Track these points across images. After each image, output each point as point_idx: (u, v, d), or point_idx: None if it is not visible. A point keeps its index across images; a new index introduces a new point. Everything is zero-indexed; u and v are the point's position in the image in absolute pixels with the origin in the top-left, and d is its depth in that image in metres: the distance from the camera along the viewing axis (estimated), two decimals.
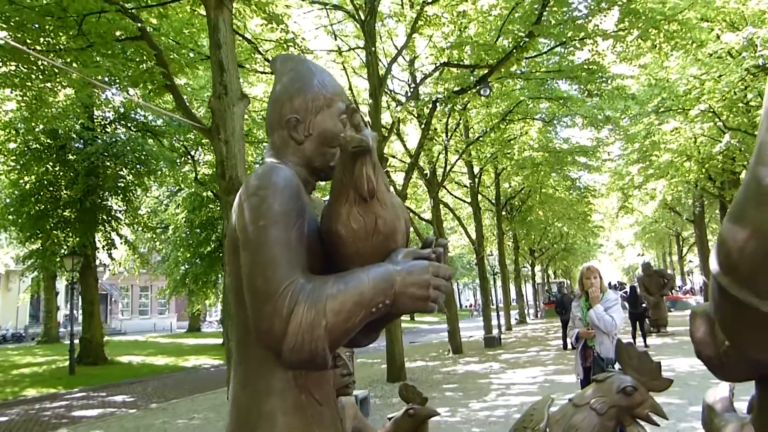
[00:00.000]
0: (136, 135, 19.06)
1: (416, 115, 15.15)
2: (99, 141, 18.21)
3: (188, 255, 24.18)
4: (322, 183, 1.63)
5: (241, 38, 11.68)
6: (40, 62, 9.18)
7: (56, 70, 9.32)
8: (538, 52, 13.65)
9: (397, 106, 15.27)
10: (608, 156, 24.70)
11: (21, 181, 18.15)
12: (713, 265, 1.00)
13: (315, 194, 1.71)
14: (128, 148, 18.35)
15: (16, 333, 33.36)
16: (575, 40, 12.55)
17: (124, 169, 19.22)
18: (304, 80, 1.57)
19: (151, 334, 37.44)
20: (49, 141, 17.83)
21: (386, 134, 13.56)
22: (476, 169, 22.01)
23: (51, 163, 18.21)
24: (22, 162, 17.67)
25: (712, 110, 18.17)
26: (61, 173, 18.44)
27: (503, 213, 26.06)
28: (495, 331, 19.24)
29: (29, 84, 10.08)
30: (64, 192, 18.35)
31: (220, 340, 24.46)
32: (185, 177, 20.49)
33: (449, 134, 17.35)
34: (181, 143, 19.60)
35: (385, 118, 15.23)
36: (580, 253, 43.77)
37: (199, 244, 23.49)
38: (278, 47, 12.14)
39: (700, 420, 1.72)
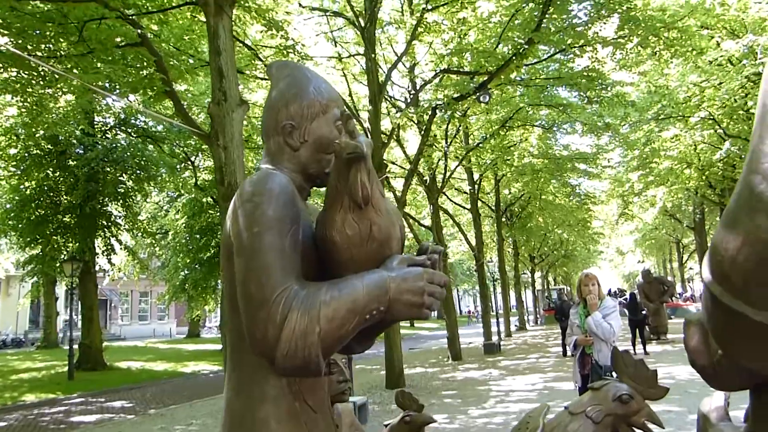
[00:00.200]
0: (136, 141, 19.13)
1: (416, 122, 15.16)
2: (99, 147, 18.23)
3: (188, 261, 24.20)
4: (321, 189, 1.63)
5: (241, 45, 11.71)
6: (40, 68, 9.20)
7: (57, 77, 9.33)
8: (538, 59, 13.70)
9: (396, 113, 15.29)
10: (608, 163, 24.62)
11: (21, 186, 18.16)
12: (705, 273, 0.99)
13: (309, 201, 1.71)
14: (128, 153, 18.44)
15: (15, 338, 33.41)
16: (575, 47, 12.57)
17: (124, 175, 19.26)
18: (300, 86, 1.57)
19: (150, 339, 37.39)
20: (49, 147, 17.87)
21: (386, 140, 13.57)
22: (476, 176, 22.04)
23: (51, 169, 18.26)
24: (22, 167, 17.72)
25: (712, 117, 18.22)
26: (62, 179, 18.47)
27: (503, 219, 26.04)
28: (494, 338, 19.24)
29: (30, 90, 10.10)
30: (64, 197, 18.39)
31: (219, 346, 24.38)
32: (185, 183, 20.55)
33: (449, 141, 17.35)
34: (182, 149, 19.66)
35: (385, 125, 15.24)
36: (580, 260, 43.75)
37: (199, 250, 23.48)
38: (278, 54, 12.14)
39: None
